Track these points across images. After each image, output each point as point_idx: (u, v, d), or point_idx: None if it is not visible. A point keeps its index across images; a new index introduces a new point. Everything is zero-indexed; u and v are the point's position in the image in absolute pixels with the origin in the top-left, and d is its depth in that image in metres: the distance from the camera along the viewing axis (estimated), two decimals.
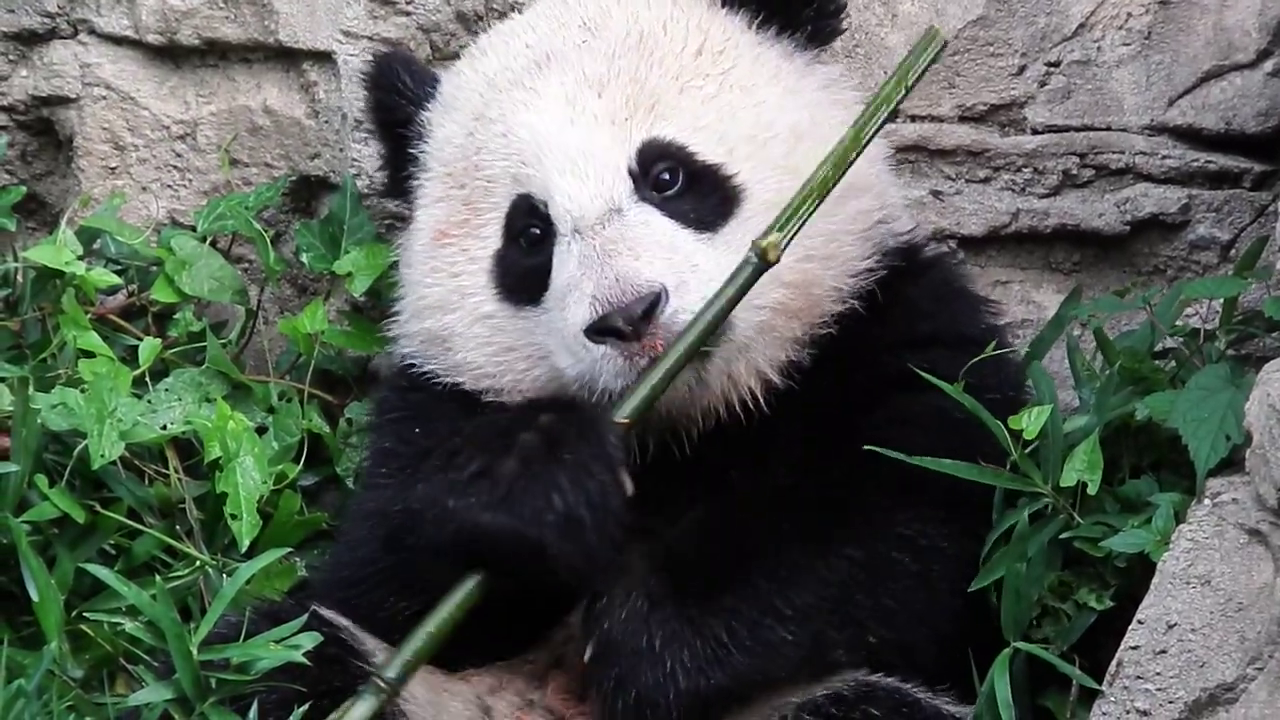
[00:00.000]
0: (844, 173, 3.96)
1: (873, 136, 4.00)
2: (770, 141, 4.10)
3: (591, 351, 3.93)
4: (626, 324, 3.88)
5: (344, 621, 3.98)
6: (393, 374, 4.46)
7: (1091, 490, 4.00)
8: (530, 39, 4.27)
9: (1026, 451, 4.04)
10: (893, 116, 4.05)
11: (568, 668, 4.01)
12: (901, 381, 4.08)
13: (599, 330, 3.90)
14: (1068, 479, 4.02)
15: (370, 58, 4.60)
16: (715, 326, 3.91)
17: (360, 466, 4.61)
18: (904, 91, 4.02)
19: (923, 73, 4.05)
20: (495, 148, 4.18)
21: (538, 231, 4.08)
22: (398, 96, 4.43)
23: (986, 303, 4.38)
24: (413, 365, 4.29)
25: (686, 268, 3.96)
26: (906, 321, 4.18)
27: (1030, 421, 4.04)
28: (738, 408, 4.08)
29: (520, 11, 4.52)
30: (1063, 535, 4.02)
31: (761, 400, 4.09)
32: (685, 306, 3.91)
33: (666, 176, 4.07)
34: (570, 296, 3.97)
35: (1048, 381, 4.22)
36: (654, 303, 3.89)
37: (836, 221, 4.11)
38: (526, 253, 4.11)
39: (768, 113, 4.13)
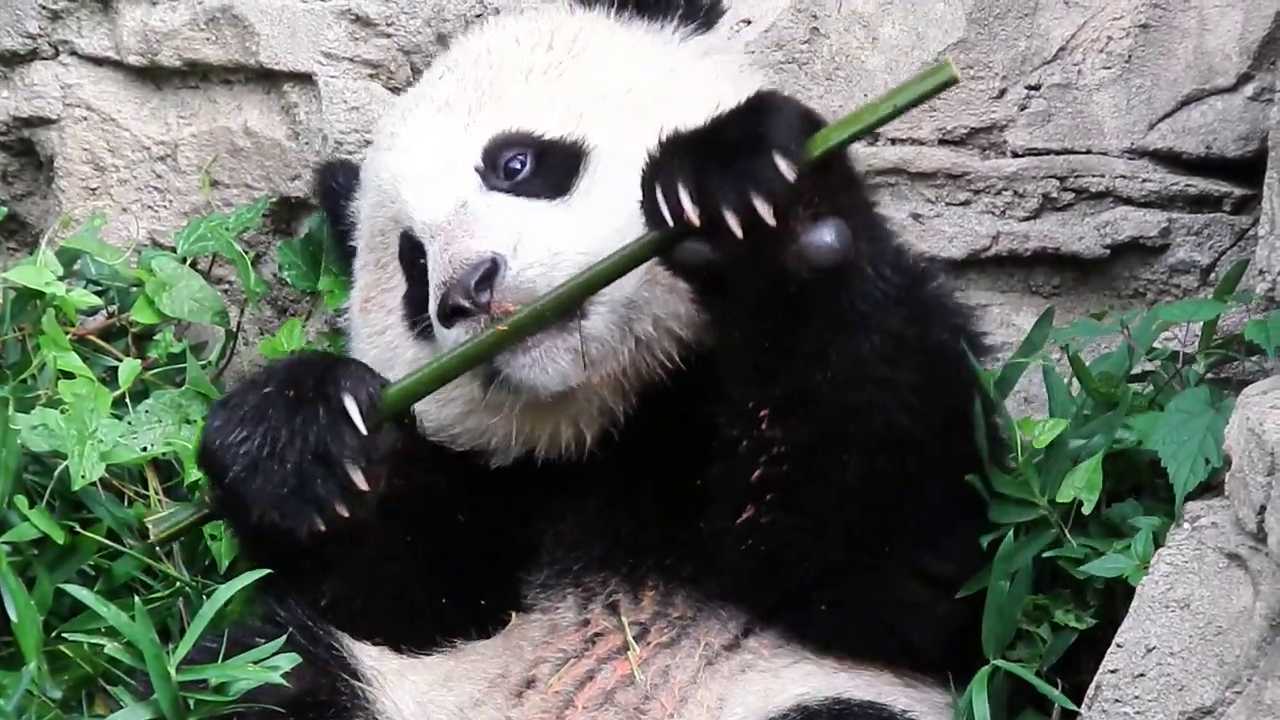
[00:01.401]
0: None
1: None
2: (625, 97, 4.07)
3: (448, 338, 3.92)
4: (465, 298, 3.85)
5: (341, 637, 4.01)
6: None
7: (1087, 509, 4.00)
8: (408, 102, 4.33)
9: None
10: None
11: (542, 688, 4.01)
12: None
13: (445, 314, 3.88)
14: (1064, 495, 4.02)
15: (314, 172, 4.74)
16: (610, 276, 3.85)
17: None
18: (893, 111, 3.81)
19: (918, 101, 3.82)
20: (379, 201, 4.22)
21: (423, 261, 4.05)
22: (336, 198, 4.52)
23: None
24: None
25: (525, 228, 3.92)
26: None
27: (1044, 432, 4.06)
28: (660, 372, 4.02)
29: None
30: (1049, 554, 4.02)
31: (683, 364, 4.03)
32: (531, 262, 3.88)
33: (517, 164, 4.05)
34: (429, 295, 3.97)
35: (1061, 389, 4.24)
36: (490, 271, 3.85)
37: None
38: (420, 284, 4.08)
39: (620, 78, 4.10)
